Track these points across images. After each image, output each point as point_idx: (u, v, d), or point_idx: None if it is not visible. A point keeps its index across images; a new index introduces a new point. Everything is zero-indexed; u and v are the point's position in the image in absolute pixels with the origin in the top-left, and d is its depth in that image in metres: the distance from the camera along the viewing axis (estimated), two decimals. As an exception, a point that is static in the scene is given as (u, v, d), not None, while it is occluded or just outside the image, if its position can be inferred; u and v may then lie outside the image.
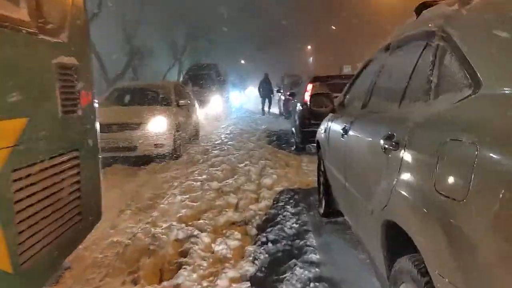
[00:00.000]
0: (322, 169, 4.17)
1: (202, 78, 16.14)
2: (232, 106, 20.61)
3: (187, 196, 4.99)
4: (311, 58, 69.52)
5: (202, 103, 15.03)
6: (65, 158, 2.33)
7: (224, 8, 52.45)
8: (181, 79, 22.19)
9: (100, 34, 30.33)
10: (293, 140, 9.89)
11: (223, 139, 10.24)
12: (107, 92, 8.57)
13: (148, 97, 8.32)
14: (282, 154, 7.94)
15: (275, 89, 18.28)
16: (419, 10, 2.05)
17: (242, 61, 68.50)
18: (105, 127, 6.90)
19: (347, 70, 28.13)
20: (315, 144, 8.54)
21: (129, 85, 8.95)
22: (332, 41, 53.87)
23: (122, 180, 6.17)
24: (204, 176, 5.99)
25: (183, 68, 36.76)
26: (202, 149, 8.80)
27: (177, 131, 7.83)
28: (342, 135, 2.89)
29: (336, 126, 3.28)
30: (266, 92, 18.19)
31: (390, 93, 2.19)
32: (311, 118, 7.70)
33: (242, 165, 6.81)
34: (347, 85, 3.79)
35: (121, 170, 6.87)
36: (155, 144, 7.21)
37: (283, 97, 16.76)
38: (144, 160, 7.39)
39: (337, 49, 51.64)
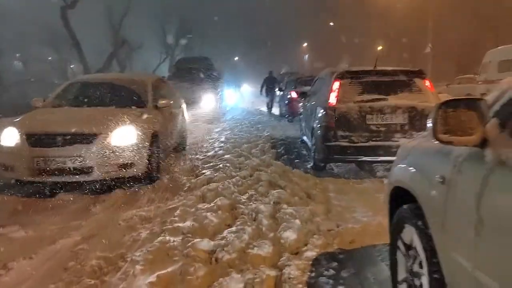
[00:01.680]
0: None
1: (192, 73, 13.96)
2: (227, 105, 18.43)
3: (155, 276, 2.83)
4: (306, 56, 67.74)
5: (192, 102, 12.88)
6: None
7: (218, 4, 50.46)
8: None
9: (82, 22, 28.12)
10: (304, 151, 7.78)
11: (216, 149, 8.07)
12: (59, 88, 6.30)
13: (115, 96, 6.14)
14: (297, 176, 5.80)
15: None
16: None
17: (236, 58, 66.57)
18: (46, 139, 4.73)
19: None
20: (340, 164, 6.48)
21: (90, 78, 6.72)
22: (329, 38, 51.96)
23: (60, 225, 3.99)
24: (188, 223, 3.83)
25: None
26: (189, 166, 6.62)
27: (154, 143, 5.66)
28: None
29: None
30: (269, 90, 17.14)
31: None
32: (338, 129, 5.59)
33: (245, 197, 4.68)
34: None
35: (65, 205, 4.68)
36: (120, 165, 5.04)
37: (285, 96, 14.62)
38: (106, 186, 5.21)
39: (333, 46, 49.80)
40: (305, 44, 66.46)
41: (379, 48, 48.18)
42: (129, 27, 31.77)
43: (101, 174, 4.94)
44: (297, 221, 3.88)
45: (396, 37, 38.34)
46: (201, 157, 7.40)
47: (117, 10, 29.27)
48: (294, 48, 66.81)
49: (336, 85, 5.84)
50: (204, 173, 5.94)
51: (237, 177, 5.56)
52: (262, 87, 17.79)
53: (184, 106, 8.67)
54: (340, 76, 5.87)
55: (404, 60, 35.43)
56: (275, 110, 17.28)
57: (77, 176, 4.87)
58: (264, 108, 19.62)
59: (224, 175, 5.73)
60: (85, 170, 4.87)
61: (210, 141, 9.51)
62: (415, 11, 29.53)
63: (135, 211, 4.36)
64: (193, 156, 7.63)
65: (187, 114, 8.91)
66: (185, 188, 5.30)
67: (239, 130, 11.30)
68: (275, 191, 4.90)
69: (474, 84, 17.97)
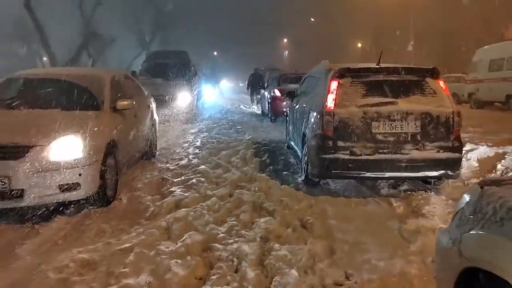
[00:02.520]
0: None
1: (165, 68, 12.71)
2: (204, 102, 17.24)
3: None
4: (286, 52, 66.85)
5: (166, 99, 11.70)
6: None
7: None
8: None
9: (52, 12, 26.35)
10: (292, 160, 6.79)
11: (191, 157, 6.96)
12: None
13: (62, 95, 4.95)
14: (286, 194, 4.76)
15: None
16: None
17: (215, 53, 65.16)
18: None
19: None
20: (338, 180, 5.40)
21: (33, 73, 5.48)
22: (310, 34, 51.14)
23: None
24: (143, 279, 2.74)
25: (150, 57, 32.91)
26: (156, 181, 5.51)
27: (110, 155, 4.53)
28: None
29: None
30: (256, 86, 16.87)
31: None
32: (337, 138, 4.60)
33: (223, 230, 3.62)
34: None
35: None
36: (61, 186, 3.88)
37: (267, 94, 13.58)
38: (43, 212, 4.05)
39: (315, 42, 49.01)
40: (285, 40, 65.68)
41: (359, 45, 47.77)
42: (103, 19, 30.12)
43: (35, 198, 3.78)
44: (294, 272, 2.86)
45: (379, 33, 37.81)
46: (172, 167, 6.28)
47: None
48: (274, 43, 65.96)
49: (334, 85, 4.81)
50: (173, 191, 4.83)
51: (213, 198, 4.49)
52: (248, 84, 17.58)
53: (153, 106, 7.52)
54: (339, 75, 4.84)
55: (387, 58, 34.89)
56: (255, 108, 16.28)
57: (1, 202, 3.69)
58: (244, 106, 18.62)
59: (197, 194, 4.65)
60: (13, 194, 3.70)
61: (184, 145, 8.38)
62: (399, 7, 28.90)
63: (75, 252, 3.24)
64: (163, 165, 6.50)
65: (157, 115, 7.76)
66: (148, 214, 4.19)
67: (217, 132, 10.18)
68: (261, 220, 3.86)
69: (462, 83, 17.35)
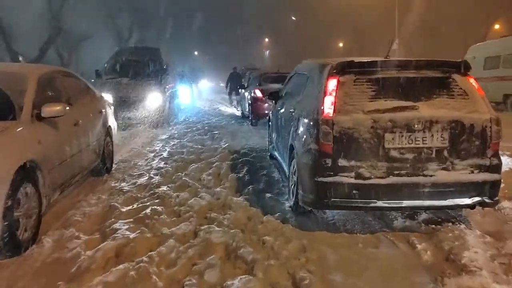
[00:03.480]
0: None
1: (134, 66, 11.36)
2: (180, 104, 15.86)
3: None
4: (267, 52, 65.72)
5: (133, 102, 10.39)
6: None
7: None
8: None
9: (19, 6, 24.49)
10: (276, 174, 5.62)
11: (153, 173, 5.68)
12: None
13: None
14: (271, 231, 3.55)
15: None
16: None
17: (196, 52, 63.60)
18: None
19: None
20: (340, 211, 3.71)
21: None
22: (291, 33, 50.12)
23: None
24: None
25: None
26: (100, 210, 4.22)
27: (23, 182, 3.23)
28: None
29: None
30: (234, 87, 16.38)
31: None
32: (338, 155, 3.40)
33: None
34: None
35: None
36: None
37: (247, 95, 12.35)
38: None
39: (296, 41, 47.99)
40: (266, 40, 64.64)
41: (340, 45, 46.96)
42: (76, 15, 28.36)
43: None
44: None
45: (362, 31, 37.09)
46: (126, 188, 4.99)
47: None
48: (255, 43, 64.84)
49: (332, 84, 3.62)
50: (117, 229, 3.55)
51: (170, 241, 3.24)
52: (227, 84, 17.22)
53: (109, 110, 6.23)
54: (338, 71, 3.65)
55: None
56: (235, 110, 15.04)
57: None
58: (224, 107, 17.41)
59: (149, 235, 3.39)
60: None
61: (149, 156, 7.08)
62: (382, 2, 28.14)
63: None
64: (116, 184, 5.21)
65: (114, 121, 6.48)
66: (73, 270, 2.92)
67: (190, 139, 8.88)
68: (235, 281, 2.63)
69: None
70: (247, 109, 12.30)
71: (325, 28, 43.08)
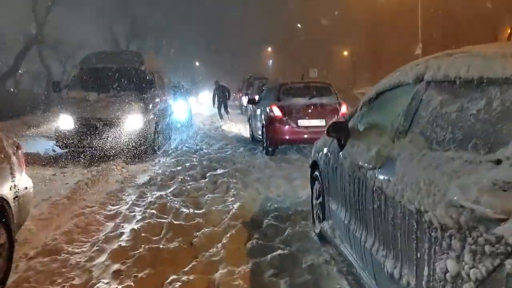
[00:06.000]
0: None
1: (107, 77, 8.35)
2: (176, 122, 12.76)
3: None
4: (270, 61, 63.02)
5: (103, 125, 7.38)
6: None
7: (178, 7, 44.70)
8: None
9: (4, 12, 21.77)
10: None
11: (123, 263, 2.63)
12: None
13: None
14: None
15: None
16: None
17: (197, 63, 61.03)
18: None
19: (314, 74, 21.85)
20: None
21: None
22: (295, 42, 47.28)
23: None
24: None
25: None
26: None
27: None
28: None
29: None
30: (222, 99, 17.16)
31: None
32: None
33: None
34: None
35: None
36: None
37: (260, 113, 9.27)
38: None
39: (299, 51, 45.14)
40: (269, 49, 62.15)
41: (345, 53, 44.07)
42: (68, 24, 25.67)
43: None
44: None
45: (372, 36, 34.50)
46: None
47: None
48: (258, 52, 62.38)
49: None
50: None
51: None
52: (213, 100, 17.51)
53: (19, 154, 3.19)
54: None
55: (389, 65, 31.23)
56: (242, 129, 12.02)
57: None
58: (227, 126, 14.43)
59: None
60: None
61: (97, 238, 3.95)
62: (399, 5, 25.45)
63: None
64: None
65: (26, 176, 3.57)
66: None
67: (179, 189, 5.57)
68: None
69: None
70: (259, 132, 9.21)
71: (332, 35, 40.25)
